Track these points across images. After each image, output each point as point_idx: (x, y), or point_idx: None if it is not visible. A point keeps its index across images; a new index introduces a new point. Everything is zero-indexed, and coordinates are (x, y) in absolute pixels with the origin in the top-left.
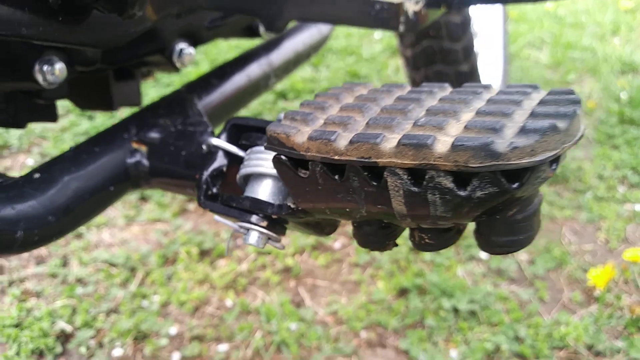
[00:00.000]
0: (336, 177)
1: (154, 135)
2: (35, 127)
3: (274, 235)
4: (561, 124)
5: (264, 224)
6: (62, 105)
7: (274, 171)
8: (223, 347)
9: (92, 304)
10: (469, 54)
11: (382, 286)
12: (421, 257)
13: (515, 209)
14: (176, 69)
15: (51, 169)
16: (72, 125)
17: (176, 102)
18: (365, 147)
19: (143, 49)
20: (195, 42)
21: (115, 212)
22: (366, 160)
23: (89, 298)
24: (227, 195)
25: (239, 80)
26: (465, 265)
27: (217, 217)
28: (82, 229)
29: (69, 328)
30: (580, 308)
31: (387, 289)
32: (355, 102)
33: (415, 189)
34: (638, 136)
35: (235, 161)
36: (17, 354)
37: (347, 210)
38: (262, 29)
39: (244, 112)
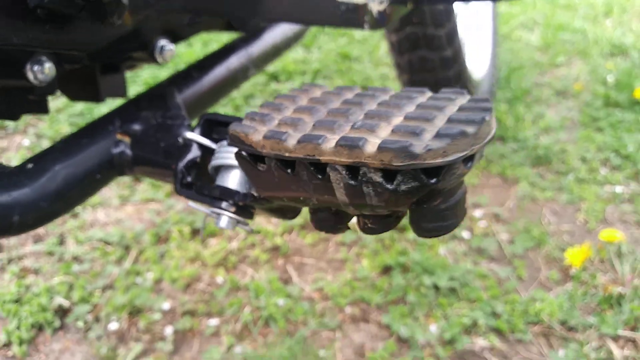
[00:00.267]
0: (288, 170)
1: (137, 127)
2: None
3: (242, 219)
4: (470, 129)
5: (233, 209)
6: None
7: None
8: (214, 322)
9: (88, 280)
10: (452, 40)
11: (367, 264)
12: (405, 236)
13: (439, 199)
14: (158, 64)
15: (43, 159)
16: (66, 107)
17: (157, 96)
18: (310, 147)
19: (126, 47)
20: (176, 38)
21: (110, 192)
22: (311, 157)
23: (85, 275)
24: (200, 184)
25: (218, 72)
26: (447, 244)
27: (191, 203)
28: (78, 208)
29: (66, 303)
30: (556, 286)
31: (371, 266)
32: (307, 104)
33: (352, 182)
34: (622, 119)
35: (208, 152)
36: (18, 327)
37: (301, 199)
38: None
39: (230, 102)
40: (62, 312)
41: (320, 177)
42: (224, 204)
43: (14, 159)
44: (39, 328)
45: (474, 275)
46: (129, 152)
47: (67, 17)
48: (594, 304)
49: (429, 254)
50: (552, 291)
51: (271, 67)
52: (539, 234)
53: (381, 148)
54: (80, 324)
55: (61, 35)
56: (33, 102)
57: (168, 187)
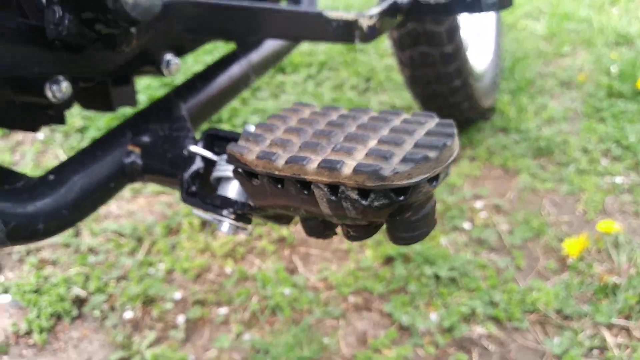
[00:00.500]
0: (279, 186)
1: (146, 139)
2: None
3: (241, 225)
4: (432, 154)
5: (233, 216)
6: None
7: None
8: (223, 310)
9: (104, 271)
10: (453, 36)
11: (370, 254)
12: None
13: (409, 212)
14: (164, 76)
15: (62, 171)
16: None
17: (164, 109)
18: (296, 167)
19: (136, 64)
20: (181, 51)
21: None
22: (297, 176)
23: (100, 266)
24: (203, 193)
25: (221, 82)
26: (448, 235)
27: (195, 210)
28: None
29: (83, 293)
30: (553, 275)
31: (374, 257)
32: (296, 125)
33: (333, 198)
34: (625, 109)
35: (210, 164)
36: (38, 317)
37: (291, 209)
38: None
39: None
40: (79, 301)
41: (306, 192)
42: (224, 212)
43: (28, 152)
44: (58, 317)
45: (474, 265)
46: (139, 161)
47: (81, 47)
48: (590, 293)
49: (431, 244)
50: (549, 281)
51: None
52: (538, 224)
53: (356, 171)
54: (96, 313)
55: (76, 62)
56: (51, 115)
57: None
